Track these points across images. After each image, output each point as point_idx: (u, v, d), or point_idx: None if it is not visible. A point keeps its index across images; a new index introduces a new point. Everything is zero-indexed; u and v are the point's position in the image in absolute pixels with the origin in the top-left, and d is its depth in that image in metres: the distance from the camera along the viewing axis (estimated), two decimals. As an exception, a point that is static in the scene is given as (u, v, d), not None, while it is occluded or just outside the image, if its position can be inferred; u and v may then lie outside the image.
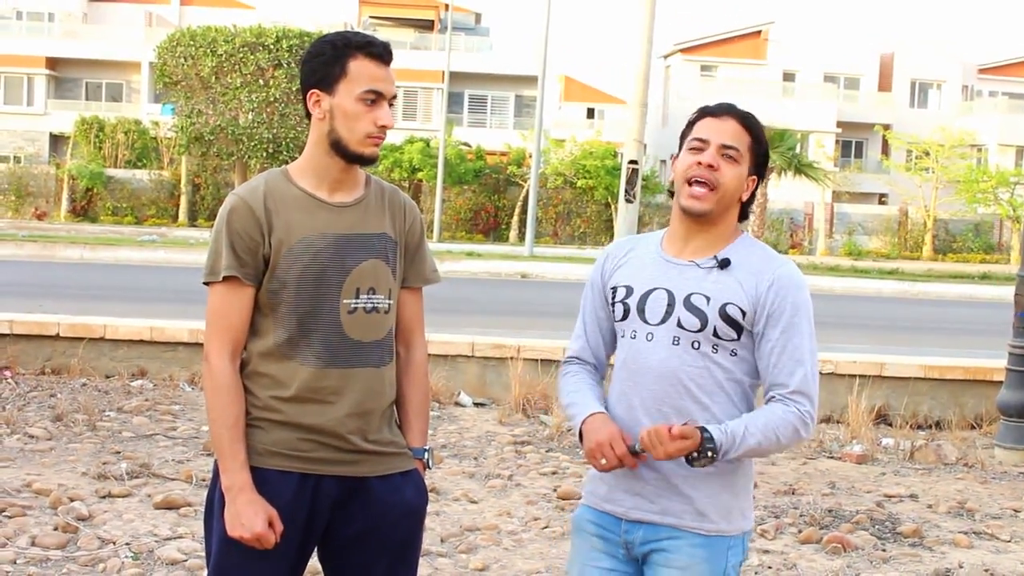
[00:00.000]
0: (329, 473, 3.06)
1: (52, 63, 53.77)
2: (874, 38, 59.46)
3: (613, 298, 3.17)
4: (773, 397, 3.01)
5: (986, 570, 6.07)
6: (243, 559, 3.02)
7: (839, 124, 53.52)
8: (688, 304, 3.03)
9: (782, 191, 40.68)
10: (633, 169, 12.80)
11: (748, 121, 3.09)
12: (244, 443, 3.01)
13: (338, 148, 3.04)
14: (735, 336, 3.02)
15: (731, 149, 3.03)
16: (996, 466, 8.79)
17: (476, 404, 9.89)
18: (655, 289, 3.08)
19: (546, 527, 6.53)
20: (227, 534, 2.99)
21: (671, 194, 3.15)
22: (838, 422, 9.71)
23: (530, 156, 40.98)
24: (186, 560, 5.60)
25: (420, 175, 43.87)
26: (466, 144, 46.84)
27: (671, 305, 3.04)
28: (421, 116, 54.60)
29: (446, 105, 43.94)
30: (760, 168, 3.11)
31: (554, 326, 15.10)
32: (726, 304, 3.01)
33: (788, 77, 56.80)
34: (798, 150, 39.59)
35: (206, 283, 3.07)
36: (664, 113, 58.29)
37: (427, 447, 3.27)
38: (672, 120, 57.51)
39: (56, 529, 5.97)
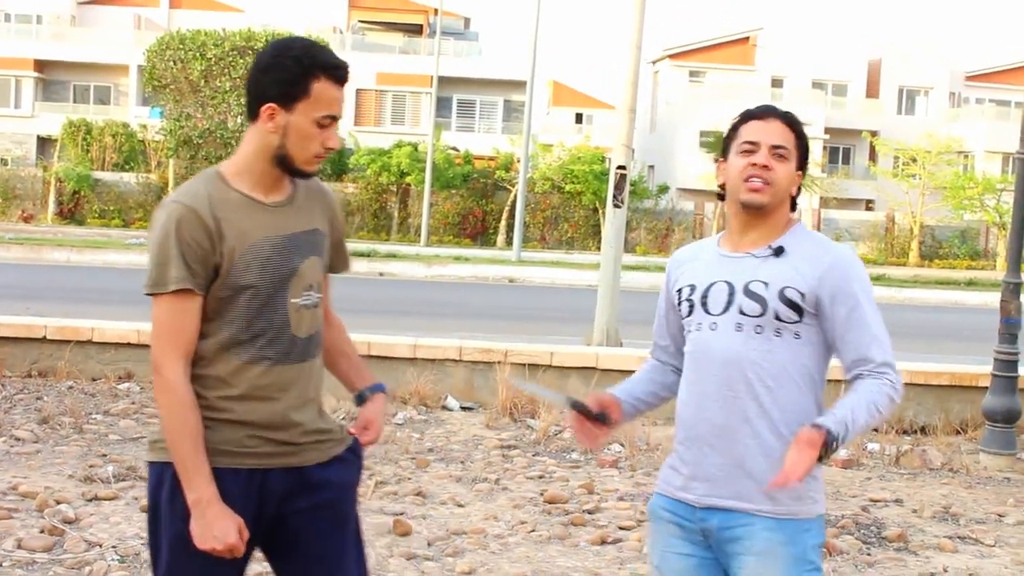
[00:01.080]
0: (275, 466, 3.09)
1: (40, 65, 53.67)
2: (862, 45, 59.44)
3: (679, 298, 3.31)
4: (860, 374, 3.11)
5: (971, 574, 6.10)
6: (196, 562, 3.00)
7: (827, 130, 53.63)
8: (748, 291, 3.15)
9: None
10: (621, 174, 12.81)
11: (791, 120, 3.24)
12: (205, 454, 2.97)
13: (283, 163, 3.04)
14: (796, 318, 3.12)
15: (781, 148, 3.18)
16: (981, 471, 8.82)
17: (463, 408, 9.90)
18: (716, 282, 3.21)
19: (533, 531, 6.54)
20: (181, 541, 2.98)
21: (721, 197, 3.30)
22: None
23: (518, 161, 40.97)
24: (172, 563, 5.60)
25: (408, 179, 43.84)
26: (454, 149, 46.84)
27: (731, 294, 3.17)
28: (409, 120, 54.60)
29: (434, 110, 43.93)
30: (804, 163, 3.26)
31: (541, 330, 15.15)
32: (784, 288, 3.12)
33: (776, 83, 56.93)
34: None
35: (151, 294, 2.99)
36: (652, 118, 58.40)
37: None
38: (660, 125, 57.64)
39: (42, 532, 5.96)
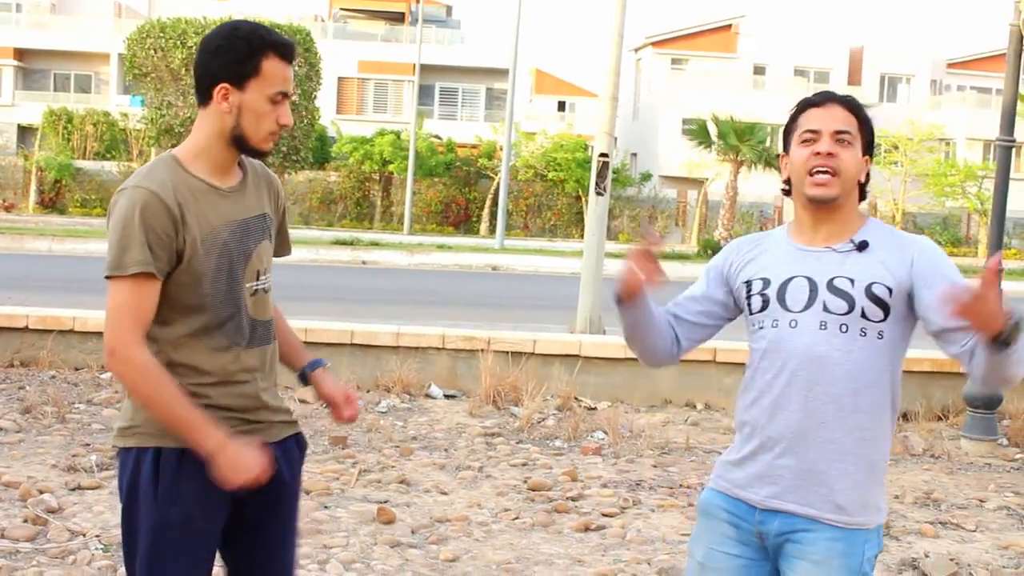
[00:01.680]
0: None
1: (20, 54, 53.41)
2: (844, 32, 59.68)
3: (748, 292, 3.17)
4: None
5: (952, 559, 6.13)
6: (177, 542, 3.05)
7: (809, 118, 53.71)
8: (832, 288, 3.02)
9: (752, 184, 40.78)
10: (603, 162, 12.80)
11: (852, 104, 3.12)
12: (196, 407, 2.99)
13: (239, 143, 3.08)
14: (882, 316, 3.01)
15: (844, 133, 3.05)
16: (962, 457, 8.87)
17: (447, 396, 9.90)
18: (794, 277, 3.08)
19: (516, 518, 6.56)
20: (164, 526, 3.03)
21: (786, 192, 3.19)
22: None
23: (501, 149, 40.95)
24: (156, 552, 5.60)
25: (391, 167, 43.77)
26: (437, 137, 46.79)
27: (814, 291, 3.04)
28: (392, 109, 54.50)
29: (417, 98, 43.85)
30: (870, 147, 3.13)
31: (524, 318, 15.15)
32: (872, 284, 3.00)
33: (758, 70, 56.95)
34: (768, 143, 39.70)
35: (110, 277, 2.99)
36: (635, 106, 58.41)
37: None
38: (643, 113, 57.65)
39: (26, 521, 5.95)
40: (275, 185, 3.31)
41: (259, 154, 3.13)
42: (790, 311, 3.06)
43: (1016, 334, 2.76)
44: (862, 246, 3.05)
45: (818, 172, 3.04)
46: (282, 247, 3.37)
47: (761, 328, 3.12)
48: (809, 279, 3.06)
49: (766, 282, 3.13)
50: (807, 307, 3.04)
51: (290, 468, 3.28)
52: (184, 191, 3.01)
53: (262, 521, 3.23)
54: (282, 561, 3.32)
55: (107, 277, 2.99)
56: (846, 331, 3.00)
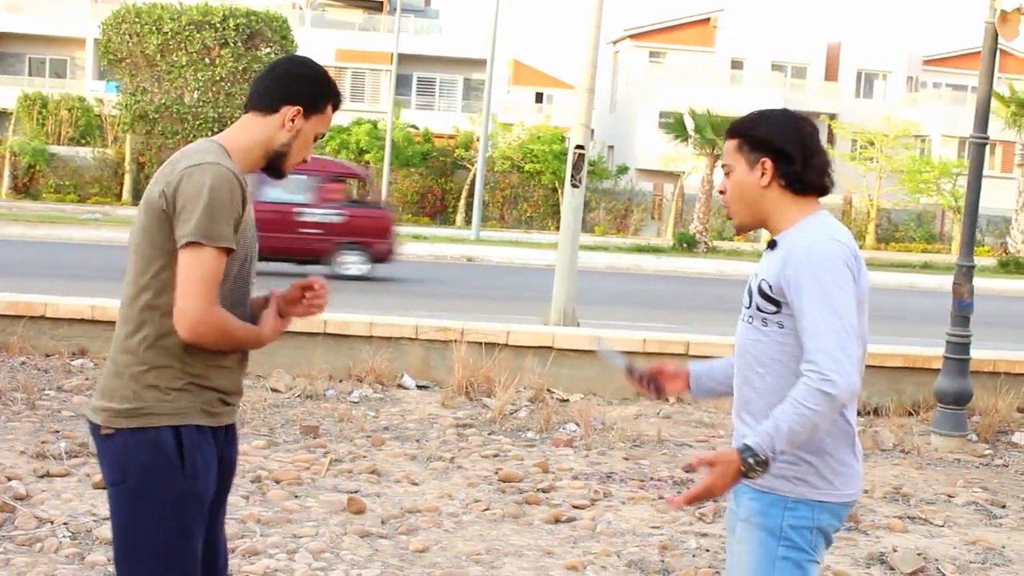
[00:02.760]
0: (223, 424, 3.33)
1: (-6, 38, 53.02)
2: (821, 28, 59.80)
3: None
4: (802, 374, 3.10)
5: (919, 554, 6.16)
6: (198, 512, 3.22)
7: (785, 113, 53.79)
8: (748, 286, 3.32)
9: (728, 178, 40.82)
10: (579, 154, 12.80)
11: (731, 129, 3.35)
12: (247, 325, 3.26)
13: (275, 159, 3.33)
14: (774, 309, 3.21)
15: (725, 167, 3.35)
16: (932, 452, 8.91)
17: (419, 387, 9.89)
18: (752, 275, 3.37)
19: (487, 509, 6.56)
20: (191, 497, 3.18)
21: None
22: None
23: (478, 140, 40.92)
24: (124, 540, 5.57)
25: (367, 157, 43.69)
26: (414, 127, 46.72)
27: (748, 287, 3.33)
28: (369, 98, 54.34)
29: (394, 87, 43.76)
30: (762, 149, 3.25)
31: (499, 310, 15.16)
32: (761, 281, 3.24)
33: (736, 65, 57.02)
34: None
35: (197, 243, 3.06)
36: (612, 98, 58.41)
37: None
38: (620, 105, 57.66)
39: (-7, 508, 5.92)
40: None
41: (280, 175, 3.38)
42: (743, 306, 3.38)
43: (752, 460, 3.05)
44: (772, 245, 3.28)
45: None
46: None
47: None
48: (755, 275, 3.34)
49: None
50: (745, 302, 3.34)
51: (235, 446, 3.50)
52: (243, 179, 3.22)
53: (216, 494, 3.37)
54: (222, 534, 3.51)
55: (192, 243, 3.07)
56: (751, 322, 3.29)
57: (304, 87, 3.33)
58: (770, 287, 3.19)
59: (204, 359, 3.19)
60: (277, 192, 19.59)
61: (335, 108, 3.41)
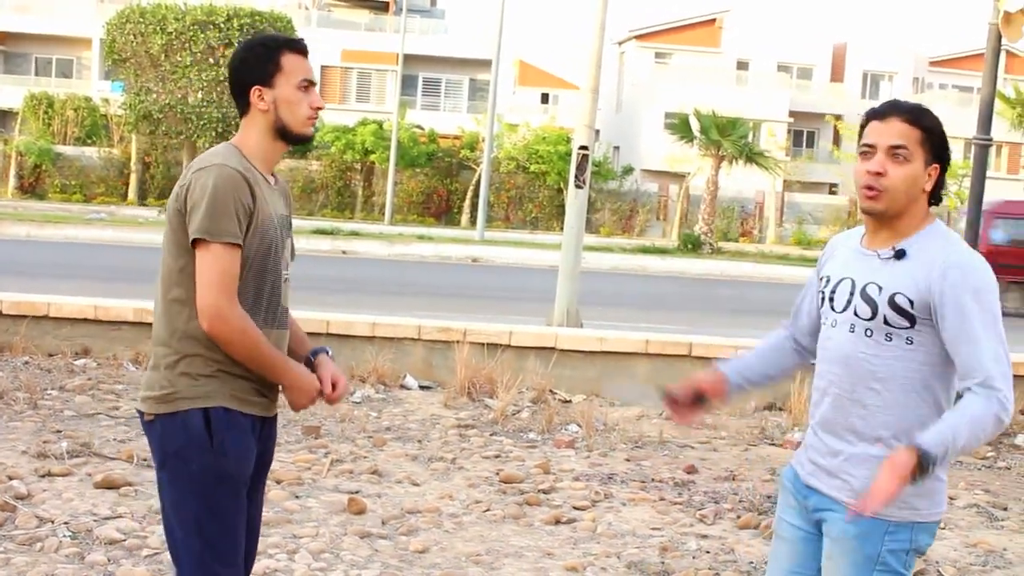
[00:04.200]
0: (264, 415, 3.52)
1: (1, 37, 53.07)
2: (827, 29, 59.76)
3: (821, 288, 3.35)
4: (969, 388, 3.01)
5: (921, 556, 6.15)
6: (233, 490, 3.41)
7: (791, 114, 53.83)
8: (863, 294, 3.15)
9: (733, 179, 40.86)
10: (583, 155, 12.81)
11: (915, 116, 3.15)
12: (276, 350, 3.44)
13: (284, 133, 3.47)
14: (907, 324, 3.09)
15: (900, 149, 3.11)
16: (934, 454, 8.89)
17: (422, 387, 9.90)
18: (844, 279, 3.24)
19: (487, 510, 6.56)
20: (225, 475, 3.37)
21: None
22: (780, 409, 9.80)
23: (483, 140, 40.91)
24: (125, 540, 5.59)
25: (373, 157, 43.70)
26: (419, 127, 46.69)
27: (852, 294, 3.19)
28: (375, 98, 54.38)
29: (400, 88, 43.78)
30: (940, 155, 3.17)
31: (503, 310, 15.16)
32: (895, 294, 3.09)
33: (742, 66, 57.01)
34: (750, 139, 39.74)
35: (203, 240, 3.27)
36: (618, 99, 58.41)
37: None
38: (626, 106, 57.65)
39: (-6, 507, 5.93)
40: (290, 196, 3.70)
41: (302, 139, 3.51)
42: (834, 311, 3.25)
43: (927, 466, 2.92)
44: (900, 254, 3.14)
45: (867, 188, 3.15)
46: (292, 252, 3.69)
47: (823, 324, 3.32)
48: (852, 281, 3.21)
49: (827, 280, 3.31)
50: (844, 309, 3.21)
51: (273, 443, 3.67)
52: (253, 176, 3.39)
53: (255, 483, 3.57)
54: (259, 521, 3.70)
55: (199, 241, 3.29)
56: (871, 335, 3.14)
57: (245, 69, 3.47)
58: (911, 302, 3.07)
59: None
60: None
61: (296, 51, 3.48)
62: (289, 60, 3.45)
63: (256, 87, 3.44)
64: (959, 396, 3.08)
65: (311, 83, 3.49)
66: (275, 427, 3.66)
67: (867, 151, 3.15)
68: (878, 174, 3.11)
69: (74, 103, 47.14)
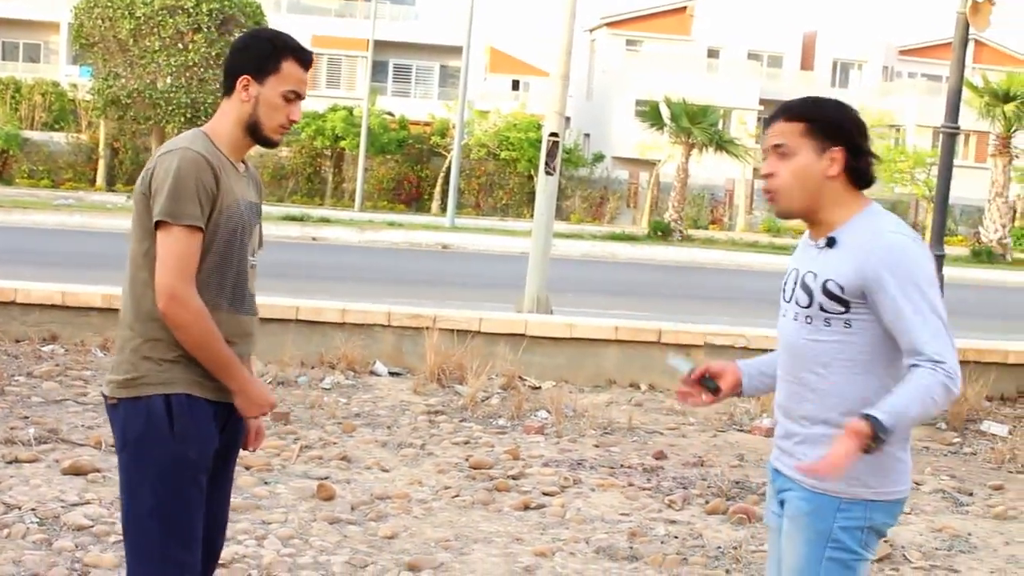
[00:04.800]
0: (224, 400, 3.46)
1: (-33, 22, 52.63)
2: (798, 17, 59.81)
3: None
4: (916, 364, 3.05)
5: (886, 541, 6.20)
6: (192, 477, 3.39)
7: (762, 101, 53.87)
8: (802, 283, 3.24)
9: (703, 167, 40.90)
10: (554, 142, 12.82)
11: (794, 110, 3.24)
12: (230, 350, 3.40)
13: (253, 131, 3.46)
14: (842, 309, 3.15)
15: (779, 147, 3.21)
16: (901, 440, 8.95)
17: (391, 373, 9.89)
18: (792, 270, 3.32)
19: (456, 496, 6.57)
20: (183, 463, 3.37)
21: None
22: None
23: (454, 127, 40.85)
24: (92, 526, 5.57)
25: (343, 144, 43.55)
26: (390, 114, 46.58)
27: (795, 283, 3.28)
28: (345, 84, 54.19)
29: (370, 74, 43.67)
30: (835, 137, 3.18)
31: (473, 297, 15.16)
32: (827, 280, 3.15)
33: (712, 54, 57.04)
34: (720, 126, 39.82)
35: (165, 222, 3.28)
36: (589, 86, 58.38)
37: None
38: (597, 93, 57.63)
39: (-40, 494, 5.90)
40: (260, 184, 3.71)
41: (268, 143, 3.49)
42: (785, 301, 3.33)
43: (880, 435, 2.96)
44: (831, 242, 3.20)
45: (765, 192, 3.28)
46: (260, 239, 3.68)
47: (779, 313, 3.38)
48: (797, 272, 3.29)
49: (786, 273, 3.38)
50: (789, 299, 3.30)
51: (242, 430, 3.66)
52: (217, 161, 3.38)
53: (219, 471, 3.57)
54: (226, 509, 3.71)
55: (160, 223, 3.29)
56: (810, 322, 3.20)
57: (245, 56, 3.46)
58: (841, 288, 3.12)
59: None
60: None
61: (300, 62, 3.46)
62: (289, 67, 3.44)
63: (245, 76, 3.43)
64: (908, 371, 3.11)
65: (298, 96, 3.47)
66: (236, 413, 3.60)
67: (764, 156, 3.29)
68: (768, 176, 3.23)
69: (42, 88, 46.81)
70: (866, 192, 3.26)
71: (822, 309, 3.16)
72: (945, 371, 3.02)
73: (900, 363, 3.13)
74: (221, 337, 3.35)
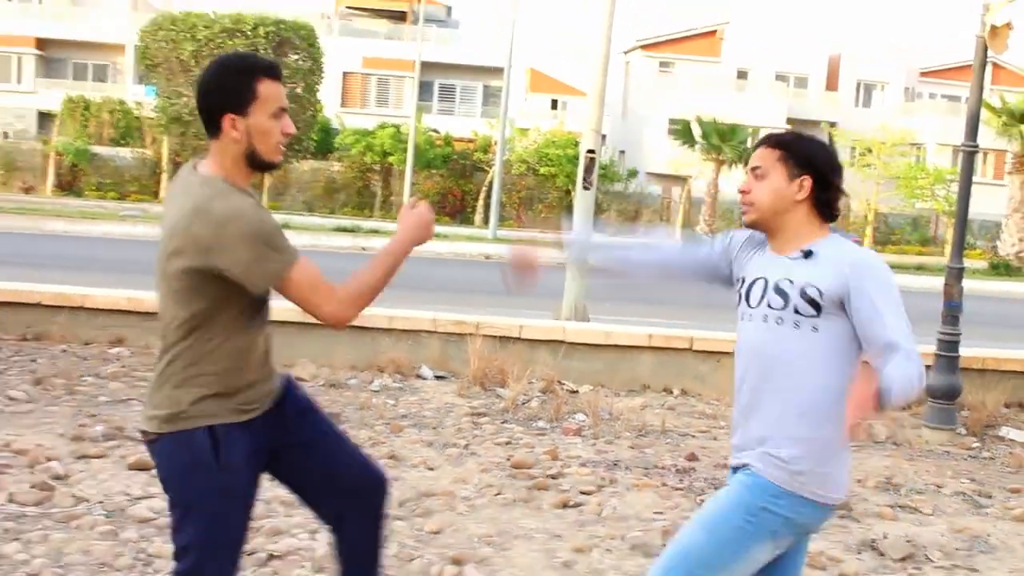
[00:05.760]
0: (257, 415, 3.39)
1: (41, 43, 53.13)
2: (823, 40, 59.46)
3: (738, 288, 3.52)
4: (894, 355, 3.14)
5: (908, 541, 6.15)
6: (239, 502, 3.34)
7: (788, 120, 53.60)
8: (776, 288, 3.35)
9: (733, 182, 40.58)
10: (591, 158, 12.80)
11: (774, 140, 3.45)
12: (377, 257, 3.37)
13: (253, 160, 3.29)
14: (814, 313, 3.27)
15: (756, 169, 3.42)
16: (923, 445, 8.89)
17: (437, 377, 9.90)
18: (758, 279, 3.42)
19: (499, 494, 6.56)
20: (230, 490, 3.29)
21: None
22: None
23: (496, 144, 40.87)
24: (156, 519, 5.60)
25: (391, 159, 43.67)
26: (435, 131, 46.65)
27: (765, 290, 3.38)
28: (393, 103, 54.36)
29: (417, 93, 43.72)
30: (806, 168, 3.38)
31: (513, 304, 15.12)
32: (807, 285, 3.28)
33: (741, 75, 56.85)
34: (749, 144, 39.62)
35: (290, 266, 3.18)
36: (624, 105, 58.31)
37: None
38: (631, 112, 57.55)
39: (33, 487, 5.95)
40: None
41: (271, 167, 3.34)
42: (750, 307, 3.42)
43: (887, 402, 3.06)
44: (808, 254, 3.35)
45: (740, 204, 3.48)
46: None
47: (739, 321, 3.47)
48: (766, 280, 3.40)
49: (742, 281, 3.49)
50: (759, 304, 3.39)
51: (293, 402, 3.53)
52: (253, 195, 3.28)
53: (311, 435, 3.52)
54: (352, 447, 3.62)
55: (286, 268, 3.17)
56: (781, 323, 3.32)
57: (220, 95, 3.26)
58: (820, 293, 3.26)
59: (232, 375, 3.30)
60: None
61: (271, 78, 3.26)
62: (265, 87, 3.24)
63: (229, 115, 3.23)
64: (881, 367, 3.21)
65: (283, 110, 3.30)
66: (292, 387, 3.57)
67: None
68: (743, 192, 3.44)
69: (109, 106, 47.19)
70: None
71: (796, 312, 3.28)
72: (919, 364, 3.14)
73: (855, 367, 3.27)
74: (374, 268, 3.33)
